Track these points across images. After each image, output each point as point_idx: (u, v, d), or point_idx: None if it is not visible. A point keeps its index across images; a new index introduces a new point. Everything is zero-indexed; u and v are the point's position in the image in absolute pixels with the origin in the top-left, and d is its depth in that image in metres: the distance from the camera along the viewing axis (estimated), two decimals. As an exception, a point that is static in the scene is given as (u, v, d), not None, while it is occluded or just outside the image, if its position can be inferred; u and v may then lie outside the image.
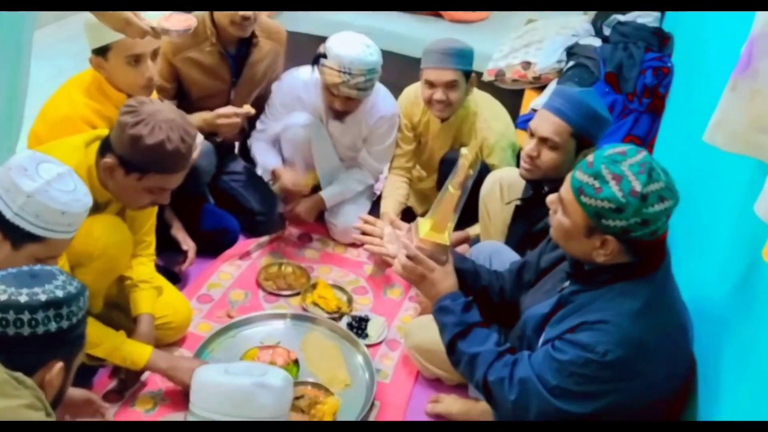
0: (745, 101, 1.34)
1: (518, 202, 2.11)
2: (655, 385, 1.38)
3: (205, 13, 2.40)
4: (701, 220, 1.79)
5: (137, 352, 1.87)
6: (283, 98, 2.63)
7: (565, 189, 1.43)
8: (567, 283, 1.55)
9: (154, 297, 2.03)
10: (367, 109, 2.61)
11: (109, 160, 1.71)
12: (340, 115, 2.56)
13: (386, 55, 2.54)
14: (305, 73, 2.59)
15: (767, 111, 1.32)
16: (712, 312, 1.55)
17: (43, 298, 1.10)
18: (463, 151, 1.71)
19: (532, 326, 1.58)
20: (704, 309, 1.53)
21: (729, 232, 1.60)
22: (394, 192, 2.70)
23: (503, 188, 2.23)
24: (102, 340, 1.82)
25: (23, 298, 1.09)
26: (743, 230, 1.52)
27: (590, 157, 1.40)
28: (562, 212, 1.44)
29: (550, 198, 1.49)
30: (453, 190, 1.66)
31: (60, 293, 1.12)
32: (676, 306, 1.45)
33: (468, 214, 2.45)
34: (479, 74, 3.33)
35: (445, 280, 1.65)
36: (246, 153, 2.87)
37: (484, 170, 2.36)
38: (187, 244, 2.38)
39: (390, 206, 2.65)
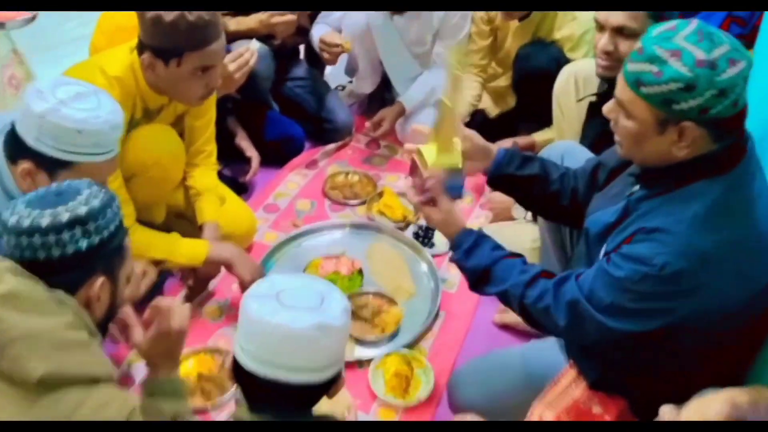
0: None
1: (593, 98, 1.91)
2: (725, 298, 1.22)
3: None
4: None
5: (196, 246, 1.85)
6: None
7: (620, 88, 1.23)
8: (636, 188, 1.38)
9: (218, 205, 2.03)
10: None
11: (145, 56, 1.66)
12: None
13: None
14: None
15: None
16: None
17: (65, 217, 1.08)
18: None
19: (594, 236, 1.43)
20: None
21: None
22: (464, 92, 2.50)
23: (578, 83, 2.02)
24: (155, 242, 1.81)
25: (46, 220, 1.07)
26: None
27: (637, 44, 1.20)
28: (624, 117, 1.25)
29: (607, 107, 1.29)
30: (448, 101, 1.49)
31: (83, 210, 1.10)
32: (756, 208, 1.25)
33: (541, 114, 2.29)
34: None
35: (448, 222, 1.52)
36: (311, 57, 2.78)
37: (562, 64, 2.16)
38: (251, 153, 2.35)
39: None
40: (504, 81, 2.52)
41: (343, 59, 2.73)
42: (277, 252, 2.15)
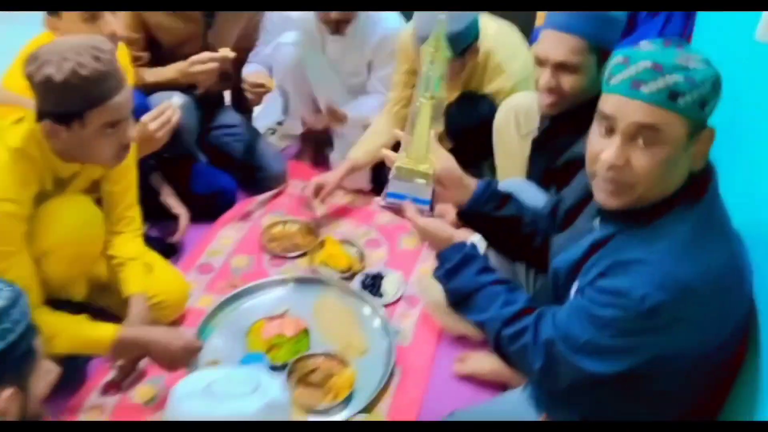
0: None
1: (534, 134, 1.83)
2: (704, 334, 1.14)
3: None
4: (751, 130, 1.51)
5: (100, 333, 1.64)
6: (272, 17, 2.43)
7: (642, 114, 1.10)
8: (597, 221, 1.30)
9: (144, 274, 1.85)
10: (369, 26, 2.34)
11: (44, 124, 1.49)
12: (338, 27, 2.29)
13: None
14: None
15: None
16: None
17: None
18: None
19: (563, 276, 1.34)
20: (761, 238, 1.27)
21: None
22: (373, 137, 2.32)
23: (519, 118, 1.95)
24: (57, 331, 1.58)
25: None
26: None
27: (645, 64, 1.10)
28: (650, 144, 1.11)
29: (611, 155, 1.14)
30: (424, 99, 1.37)
31: None
32: (728, 236, 1.19)
33: (478, 157, 2.21)
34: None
35: (434, 232, 1.40)
36: (238, 103, 2.64)
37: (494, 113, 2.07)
38: (179, 210, 2.19)
39: (360, 153, 2.29)
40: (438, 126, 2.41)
41: (274, 101, 2.61)
42: (214, 317, 1.97)
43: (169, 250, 2.20)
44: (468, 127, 2.10)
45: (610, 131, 1.15)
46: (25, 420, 1.05)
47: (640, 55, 1.12)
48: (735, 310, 1.18)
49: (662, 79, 1.08)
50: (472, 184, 1.49)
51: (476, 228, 1.52)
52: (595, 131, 1.19)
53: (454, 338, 1.93)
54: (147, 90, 2.16)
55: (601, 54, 1.60)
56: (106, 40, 1.52)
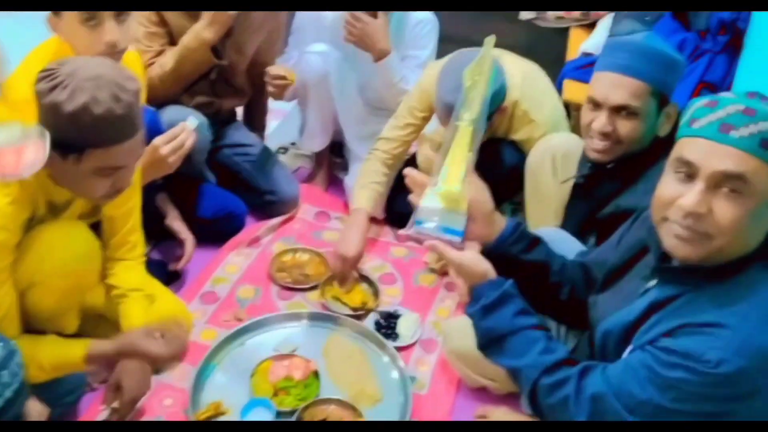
0: None
1: (581, 180, 1.72)
2: None
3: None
4: None
5: (73, 347, 1.48)
6: (302, 21, 2.34)
7: (732, 161, 1.02)
8: (653, 282, 1.19)
9: (146, 307, 1.71)
10: (403, 16, 2.30)
11: None
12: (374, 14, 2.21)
13: None
14: None
15: None
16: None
17: None
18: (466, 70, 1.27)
19: (615, 338, 1.23)
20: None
21: None
22: (372, 178, 2.14)
23: (556, 161, 1.83)
24: (30, 356, 1.37)
25: None
26: None
27: (737, 107, 1.03)
28: (735, 194, 1.03)
29: (691, 202, 1.04)
30: (464, 123, 1.25)
31: None
32: None
33: (503, 191, 2.09)
34: (516, 13, 2.91)
35: (469, 266, 1.27)
36: (251, 120, 2.52)
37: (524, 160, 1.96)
38: (185, 236, 2.05)
39: (365, 199, 2.11)
40: None
41: (291, 119, 2.49)
42: (217, 354, 1.84)
43: (172, 277, 2.07)
44: (492, 171, 1.99)
45: (689, 177, 1.06)
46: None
47: (728, 100, 1.05)
48: None
49: (754, 125, 1.01)
50: (501, 221, 1.38)
51: (500, 270, 1.40)
52: (670, 177, 1.10)
53: (474, 389, 1.80)
54: (166, 86, 2.03)
55: (661, 99, 1.50)
56: (135, 78, 1.37)
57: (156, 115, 1.97)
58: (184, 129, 1.73)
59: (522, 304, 1.27)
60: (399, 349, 1.89)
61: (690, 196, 1.04)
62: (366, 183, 2.14)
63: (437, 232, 1.26)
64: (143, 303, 1.70)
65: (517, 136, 2.06)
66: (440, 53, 2.35)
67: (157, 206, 2.06)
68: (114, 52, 1.59)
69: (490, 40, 1.30)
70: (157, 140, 1.69)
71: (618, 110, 1.51)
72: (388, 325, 1.98)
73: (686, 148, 1.07)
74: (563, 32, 2.82)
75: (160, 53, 2.07)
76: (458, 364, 1.80)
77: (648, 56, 1.49)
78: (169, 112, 2.02)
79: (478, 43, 2.66)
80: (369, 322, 1.98)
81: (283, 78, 2.17)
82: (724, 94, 1.08)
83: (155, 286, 1.81)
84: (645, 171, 1.53)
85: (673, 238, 1.09)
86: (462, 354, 1.75)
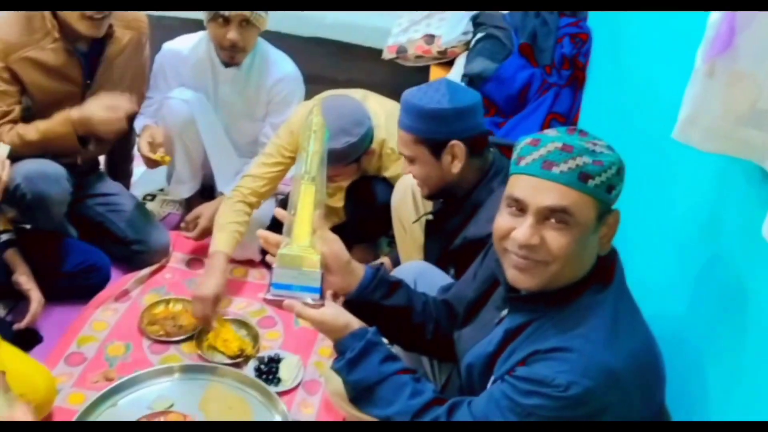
0: (723, 88, 1.07)
1: (429, 217, 1.80)
2: (629, 419, 1.12)
3: None
4: (639, 213, 1.55)
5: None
6: (161, 70, 2.30)
7: (554, 195, 1.09)
8: (505, 311, 1.26)
9: None
10: (265, 66, 2.30)
11: None
12: (233, 55, 2.21)
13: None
14: (180, 43, 2.32)
15: (752, 97, 1.06)
16: (674, 328, 1.32)
17: None
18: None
19: (478, 370, 1.28)
20: (665, 326, 1.28)
21: (679, 225, 1.37)
22: (232, 218, 2.09)
23: (417, 198, 1.90)
24: None
25: None
26: (697, 219, 1.30)
27: (555, 144, 1.11)
28: (557, 228, 1.10)
29: (524, 234, 1.11)
30: (305, 182, 1.28)
31: None
32: (641, 318, 1.19)
33: (378, 226, 2.14)
34: (379, 52, 3.01)
35: (331, 323, 1.27)
36: (114, 170, 2.43)
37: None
38: (32, 292, 1.91)
39: (223, 242, 2.05)
40: (337, 202, 2.30)
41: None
42: (87, 417, 1.72)
43: (29, 339, 1.92)
44: (366, 208, 2.03)
45: (521, 211, 1.13)
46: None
47: (549, 138, 1.13)
48: (657, 390, 1.18)
49: (572, 160, 1.10)
50: (359, 270, 1.39)
51: (363, 317, 1.42)
52: (504, 212, 1.17)
53: (359, 427, 1.80)
54: (21, 155, 1.93)
55: (431, 144, 1.62)
56: None
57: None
58: None
59: (387, 351, 1.28)
60: (282, 393, 1.86)
61: (521, 230, 1.12)
62: (225, 224, 2.08)
63: (294, 292, 1.26)
64: None
65: (388, 173, 2.12)
66: (305, 93, 2.39)
67: (5, 262, 1.92)
68: None
69: (318, 99, 1.37)
70: None
71: (410, 161, 1.67)
72: (269, 370, 1.94)
73: (515, 185, 1.14)
74: (424, 70, 2.95)
75: (6, 114, 1.97)
76: (342, 404, 1.77)
77: (407, 110, 1.63)
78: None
79: (343, 83, 2.73)
80: (249, 369, 1.94)
81: (156, 162, 2.14)
82: (546, 132, 1.16)
83: (7, 348, 1.68)
84: (484, 201, 1.63)
85: (513, 270, 1.16)
86: (344, 394, 1.74)
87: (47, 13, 1.96)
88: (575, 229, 1.10)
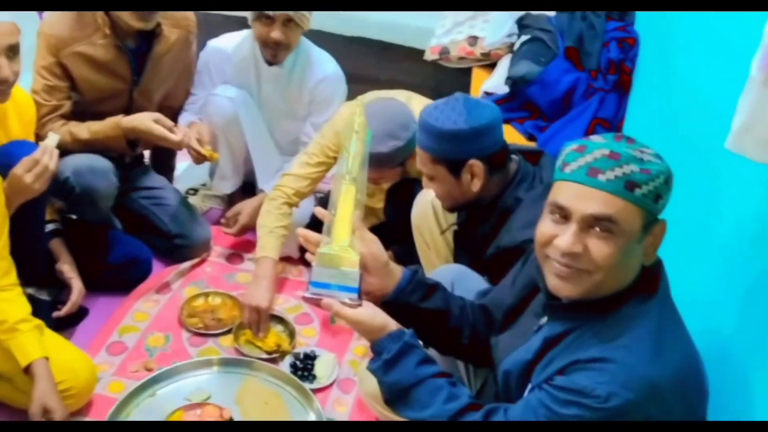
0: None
1: (455, 228, 1.79)
2: None
3: None
4: (687, 223, 1.52)
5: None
6: (206, 67, 2.33)
7: (599, 204, 1.07)
8: (545, 319, 1.24)
9: (41, 336, 1.65)
10: (308, 65, 2.31)
11: None
12: (276, 54, 2.23)
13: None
14: (225, 41, 2.34)
15: (809, 108, 1.03)
16: (719, 343, 1.28)
17: None
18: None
19: (515, 378, 1.27)
20: (710, 340, 1.25)
21: (728, 237, 1.34)
22: (277, 222, 2.10)
23: (437, 211, 1.88)
24: None
25: None
26: (746, 231, 1.26)
27: (602, 152, 1.09)
28: (606, 234, 1.08)
29: (567, 242, 1.09)
30: (346, 182, 1.28)
31: None
32: (686, 332, 1.17)
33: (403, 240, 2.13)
34: (422, 53, 3.00)
35: (368, 323, 1.27)
36: (158, 164, 2.47)
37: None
38: (73, 280, 1.94)
39: (270, 247, 2.07)
40: (377, 203, 2.28)
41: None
42: (126, 406, 1.76)
43: (75, 318, 1.98)
44: (405, 209, 2.02)
45: (564, 218, 1.11)
46: None
47: (595, 144, 1.11)
48: (699, 405, 1.15)
49: (619, 168, 1.07)
50: (397, 271, 1.39)
51: (400, 319, 1.41)
52: (548, 218, 1.15)
53: (392, 428, 1.80)
54: (70, 150, 1.99)
55: (449, 163, 1.61)
56: None
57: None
58: (46, 151, 1.66)
59: (423, 354, 1.27)
60: (316, 390, 1.87)
61: (565, 237, 1.09)
62: (271, 228, 2.10)
63: (333, 292, 1.27)
64: (37, 332, 1.64)
65: None
66: (347, 93, 2.40)
67: (50, 251, 1.97)
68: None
69: (361, 100, 1.39)
70: (18, 168, 1.62)
71: (429, 178, 1.66)
72: (304, 366, 1.96)
73: (560, 192, 1.12)
74: (467, 72, 2.93)
75: (56, 108, 2.03)
76: (375, 405, 1.78)
77: (424, 130, 1.61)
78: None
79: (385, 83, 2.73)
80: (285, 364, 1.96)
81: (204, 158, 2.14)
82: (592, 138, 1.14)
83: (49, 332, 1.73)
84: (511, 209, 1.61)
85: (554, 278, 1.14)
86: (378, 396, 1.73)
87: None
88: (620, 239, 1.08)
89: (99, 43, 2.03)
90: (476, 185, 1.62)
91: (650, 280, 1.14)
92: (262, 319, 2.01)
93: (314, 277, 1.27)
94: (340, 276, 1.27)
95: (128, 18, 1.99)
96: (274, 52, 2.23)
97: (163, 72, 2.19)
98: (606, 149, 1.09)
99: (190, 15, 2.24)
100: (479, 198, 1.64)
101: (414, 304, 1.40)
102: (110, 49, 2.05)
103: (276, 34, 2.16)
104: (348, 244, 1.27)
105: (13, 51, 1.61)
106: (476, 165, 1.59)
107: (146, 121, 2.02)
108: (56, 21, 2.01)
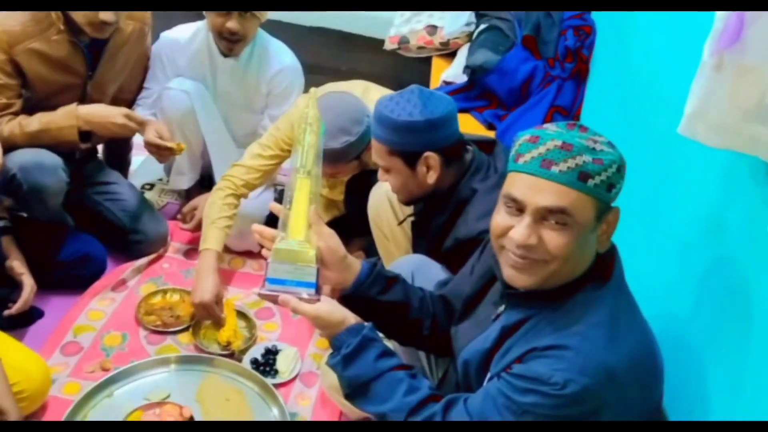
0: (730, 82, 1.05)
1: (412, 218, 1.78)
2: (627, 418, 1.12)
3: None
4: (642, 210, 1.53)
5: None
6: (159, 60, 2.27)
7: (553, 195, 1.07)
8: (502, 307, 1.24)
9: None
10: (265, 57, 2.27)
11: None
12: (232, 46, 2.18)
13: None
14: (178, 32, 2.29)
15: (760, 92, 1.04)
16: (675, 328, 1.30)
17: None
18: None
19: (474, 366, 1.27)
20: (665, 325, 1.27)
21: (683, 222, 1.36)
22: (222, 213, 2.05)
23: (392, 202, 1.87)
24: None
25: None
26: (701, 216, 1.28)
27: (555, 143, 1.08)
28: (560, 225, 1.08)
29: (522, 234, 1.10)
30: (300, 176, 1.27)
31: None
32: (640, 317, 1.18)
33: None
34: (381, 42, 2.99)
35: (326, 318, 1.26)
36: (113, 158, 2.41)
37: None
38: (24, 277, 1.88)
39: (214, 239, 2.02)
40: (337, 195, 2.26)
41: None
42: (83, 408, 1.71)
43: (27, 318, 1.92)
44: (366, 200, 2.01)
45: (519, 210, 1.11)
46: None
47: (548, 135, 1.11)
48: (655, 389, 1.17)
49: (572, 160, 1.07)
50: (356, 264, 1.38)
51: (360, 313, 1.40)
52: (502, 210, 1.15)
53: (355, 423, 1.79)
54: (19, 145, 1.93)
55: (405, 156, 1.60)
56: None
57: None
58: None
59: (383, 347, 1.26)
60: (278, 385, 1.85)
61: (519, 229, 1.10)
62: (213, 219, 2.05)
63: (290, 287, 1.25)
64: None
65: None
66: (307, 83, 2.37)
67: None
68: None
69: (314, 92, 1.37)
70: None
71: (385, 170, 1.64)
72: (266, 361, 1.93)
73: (513, 184, 1.12)
74: (426, 61, 2.92)
75: (7, 107, 1.96)
76: (338, 397, 1.77)
77: (379, 122, 1.60)
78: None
79: (345, 73, 2.70)
80: (246, 360, 1.93)
81: (169, 150, 2.07)
82: (546, 128, 1.13)
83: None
84: (467, 199, 1.61)
85: (510, 268, 1.14)
86: (340, 388, 1.74)
87: None
88: (574, 229, 1.08)
89: (53, 39, 1.96)
90: (432, 177, 1.61)
91: (604, 267, 1.15)
92: (211, 313, 1.97)
93: (270, 274, 1.25)
94: (296, 271, 1.25)
95: (86, 28, 1.93)
96: (230, 45, 2.18)
97: (118, 65, 2.13)
98: (559, 140, 1.09)
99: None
100: (435, 190, 1.63)
101: (373, 298, 1.39)
102: (65, 45, 1.98)
103: (232, 24, 2.12)
104: (304, 238, 1.26)
105: None
106: (432, 157, 1.58)
107: (116, 116, 1.99)
108: (7, 17, 1.93)
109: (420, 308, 1.45)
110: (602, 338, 1.09)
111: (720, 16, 1.02)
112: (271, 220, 1.46)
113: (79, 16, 1.92)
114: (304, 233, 1.25)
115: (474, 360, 1.26)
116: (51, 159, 1.94)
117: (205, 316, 1.98)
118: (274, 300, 1.25)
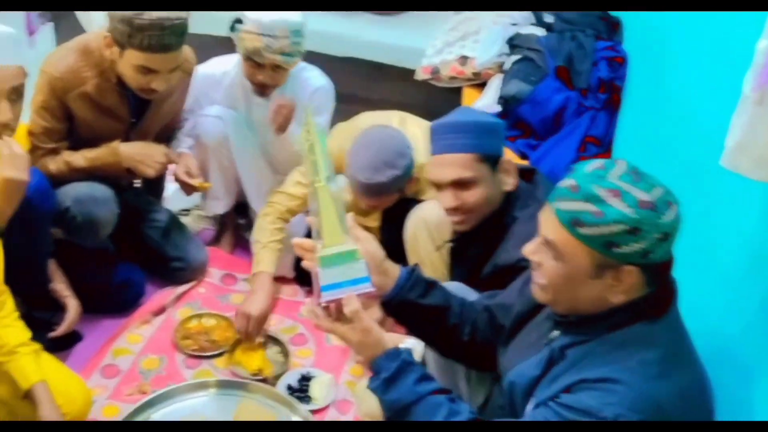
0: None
1: (450, 244, 1.79)
2: None
3: (101, 38, 1.94)
4: (682, 244, 1.52)
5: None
6: (195, 84, 2.29)
7: (550, 227, 1.13)
8: (556, 333, 1.24)
9: (39, 360, 1.62)
10: (299, 84, 2.28)
11: None
12: (264, 90, 2.20)
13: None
14: (213, 66, 2.32)
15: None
16: (722, 365, 1.29)
17: None
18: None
19: (521, 390, 1.26)
20: (711, 363, 1.26)
21: (725, 256, 1.34)
22: (272, 237, 2.11)
23: (431, 229, 1.88)
24: None
25: None
26: (744, 249, 1.27)
27: (568, 182, 1.12)
28: (553, 258, 1.14)
29: (529, 249, 1.19)
30: (320, 184, 1.26)
31: None
32: (695, 355, 1.17)
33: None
34: (412, 73, 3.03)
35: (367, 343, 1.26)
36: (150, 185, 2.45)
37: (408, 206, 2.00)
38: (68, 300, 1.92)
39: (266, 261, 2.08)
40: (372, 222, 2.24)
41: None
42: None
43: (68, 341, 1.96)
44: (402, 229, 2.02)
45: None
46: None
47: (577, 170, 1.15)
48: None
49: (573, 203, 1.10)
50: (395, 269, 1.39)
51: (400, 318, 1.42)
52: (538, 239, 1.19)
53: (390, 449, 1.79)
54: (68, 179, 1.98)
55: (491, 160, 1.61)
56: None
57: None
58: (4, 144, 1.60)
59: (421, 371, 1.27)
60: (313, 412, 1.86)
61: (528, 248, 1.21)
62: (266, 243, 2.10)
63: (346, 289, 1.25)
64: (34, 356, 1.61)
65: (426, 196, 2.10)
66: (339, 112, 2.40)
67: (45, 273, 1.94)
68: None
69: (309, 105, 1.40)
70: None
71: (457, 185, 1.61)
72: (300, 388, 1.94)
73: (546, 224, 1.16)
74: (456, 91, 2.96)
75: (53, 151, 2.01)
76: (373, 424, 1.78)
77: (461, 129, 1.61)
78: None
79: (377, 102, 2.73)
80: (281, 386, 1.94)
81: (193, 188, 2.14)
82: (585, 165, 1.14)
83: (44, 355, 1.70)
84: (507, 226, 1.62)
85: (534, 285, 1.23)
86: (376, 416, 1.74)
87: (105, 50, 1.95)
88: (565, 266, 1.13)
89: (103, 87, 2.00)
90: (509, 184, 1.63)
91: (662, 301, 1.15)
92: (252, 326, 2.00)
93: (323, 281, 1.25)
94: (347, 271, 1.25)
95: (135, 89, 1.97)
96: (261, 91, 2.22)
97: (162, 114, 2.18)
98: (574, 180, 1.12)
99: (191, 56, 2.20)
100: (496, 206, 1.64)
101: (414, 301, 1.40)
102: (113, 93, 2.02)
103: (263, 77, 2.16)
104: (342, 239, 1.25)
105: (16, 93, 1.60)
106: (508, 161, 1.63)
107: (155, 154, 2.07)
108: (61, 61, 1.97)
109: (460, 313, 1.45)
110: (654, 375, 1.08)
111: (761, 50, 1.03)
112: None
113: (132, 81, 1.94)
114: (341, 235, 1.25)
115: (521, 383, 1.26)
116: (103, 192, 1.98)
117: (244, 327, 2.00)
118: (338, 309, 1.24)
